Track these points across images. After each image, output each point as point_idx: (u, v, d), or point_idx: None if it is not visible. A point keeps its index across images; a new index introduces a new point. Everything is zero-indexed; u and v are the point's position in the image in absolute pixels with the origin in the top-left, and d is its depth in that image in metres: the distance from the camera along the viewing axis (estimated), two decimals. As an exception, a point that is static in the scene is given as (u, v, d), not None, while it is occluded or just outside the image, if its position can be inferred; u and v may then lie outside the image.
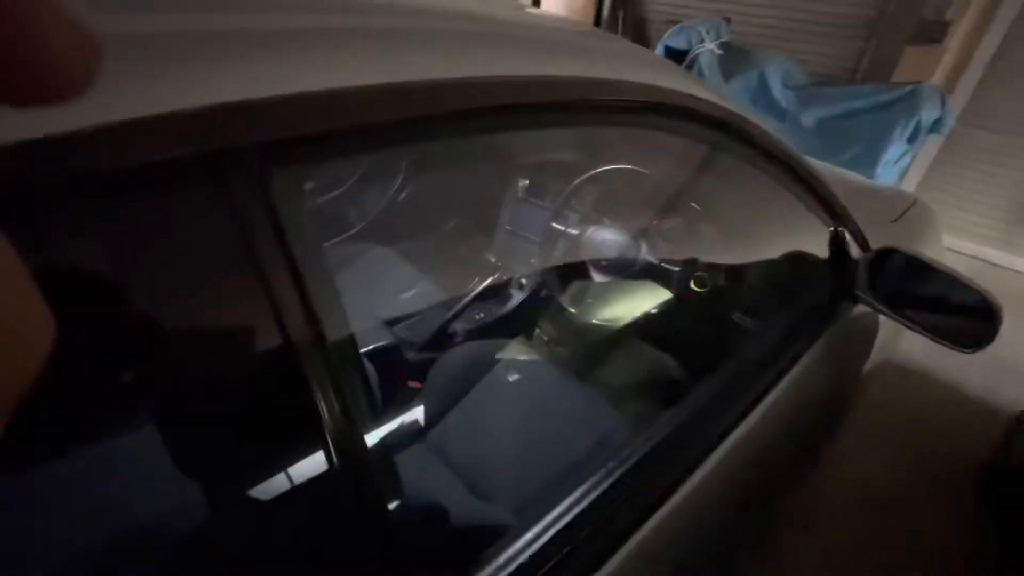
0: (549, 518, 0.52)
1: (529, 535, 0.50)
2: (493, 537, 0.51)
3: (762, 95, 2.74)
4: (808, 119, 2.64)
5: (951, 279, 0.89)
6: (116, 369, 0.30)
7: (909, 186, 2.97)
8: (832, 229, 0.94)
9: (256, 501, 0.40)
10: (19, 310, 0.11)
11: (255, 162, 0.29)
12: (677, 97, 0.60)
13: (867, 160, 2.49)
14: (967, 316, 0.88)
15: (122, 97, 0.23)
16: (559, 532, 0.51)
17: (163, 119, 0.24)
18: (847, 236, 0.95)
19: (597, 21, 3.54)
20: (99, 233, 0.26)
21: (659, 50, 2.99)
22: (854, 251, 0.96)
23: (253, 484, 0.40)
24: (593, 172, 1.17)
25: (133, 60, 0.24)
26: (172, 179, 0.27)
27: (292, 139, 0.30)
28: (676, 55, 2.90)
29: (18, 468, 0.25)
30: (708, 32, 2.85)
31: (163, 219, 0.28)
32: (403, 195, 1.41)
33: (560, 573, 0.49)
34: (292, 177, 0.32)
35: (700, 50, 2.83)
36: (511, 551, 0.49)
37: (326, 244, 1.20)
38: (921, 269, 0.91)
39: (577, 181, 1.18)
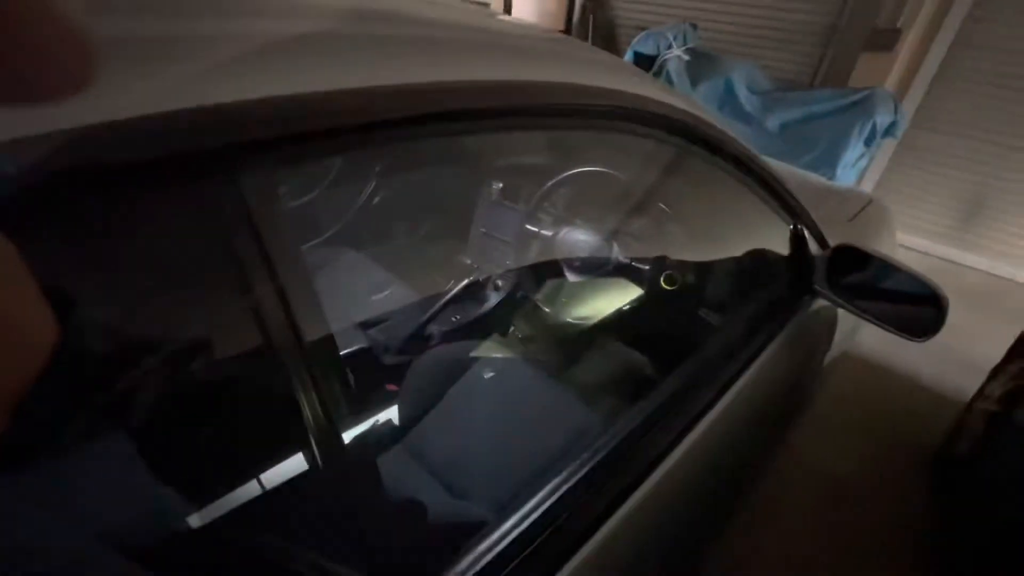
0: (523, 512, 0.53)
1: (503, 528, 0.51)
2: (469, 532, 0.52)
3: (728, 100, 2.82)
4: (772, 123, 2.74)
5: (902, 273, 0.94)
6: (94, 371, 0.30)
7: (867, 187, 3.10)
8: (792, 227, 0.99)
9: (235, 503, 0.40)
10: (20, 310, 0.11)
11: (233, 165, 0.30)
12: (644, 103, 0.62)
13: (827, 162, 2.59)
14: (917, 307, 0.94)
15: (114, 98, 0.24)
16: (532, 524, 0.52)
17: (148, 120, 0.25)
18: (806, 234, 1.00)
19: (568, 26, 3.60)
20: (80, 235, 0.27)
21: (628, 55, 3.05)
22: (813, 248, 1.01)
23: (229, 486, 0.40)
24: (565, 175, 1.19)
25: (122, 62, 0.25)
26: (151, 182, 0.27)
27: (268, 142, 0.31)
28: (645, 60, 2.97)
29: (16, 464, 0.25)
30: (675, 38, 2.93)
31: (145, 222, 0.28)
32: (376, 199, 1.41)
33: (534, 563, 0.51)
34: (268, 180, 0.33)
35: (668, 55, 2.91)
36: (486, 544, 0.50)
37: (301, 248, 1.18)
38: (875, 264, 0.96)
39: (549, 184, 1.21)
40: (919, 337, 0.90)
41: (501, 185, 1.29)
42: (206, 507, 0.39)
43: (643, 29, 3.08)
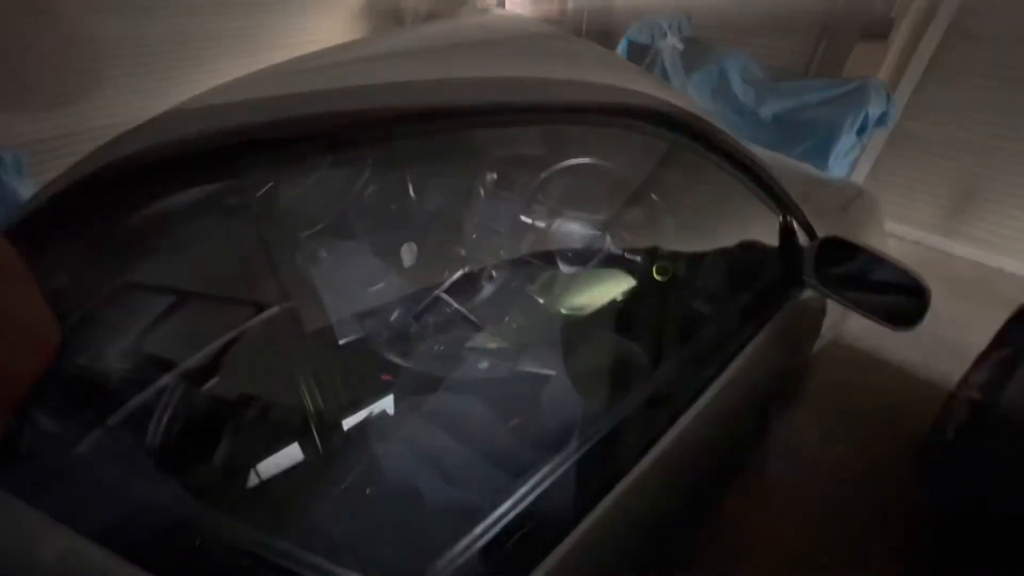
0: (516, 497, 0.55)
1: (497, 514, 0.53)
2: (463, 520, 0.53)
3: (722, 89, 2.82)
4: (765, 113, 2.74)
5: (887, 264, 0.96)
6: (94, 371, 0.31)
7: (859, 176, 3.12)
8: (781, 219, 1.00)
9: (236, 494, 0.41)
10: (24, 312, 0.12)
11: (240, 162, 0.30)
12: (634, 96, 0.63)
13: (820, 152, 2.61)
14: (902, 297, 0.96)
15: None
16: (526, 509, 0.54)
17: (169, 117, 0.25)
18: (795, 225, 1.01)
19: (562, 15, 3.57)
20: (79, 237, 0.27)
21: (623, 44, 3.04)
22: (802, 239, 1.03)
23: (229, 479, 0.41)
24: (558, 166, 1.20)
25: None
26: (163, 181, 0.28)
27: (268, 141, 0.31)
28: (639, 49, 2.96)
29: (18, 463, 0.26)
30: (670, 27, 2.92)
31: (143, 222, 0.29)
32: (370, 190, 1.41)
33: (528, 544, 0.52)
34: (268, 177, 0.34)
35: (662, 44, 2.90)
36: (479, 529, 0.51)
37: (295, 240, 1.19)
38: (861, 255, 0.98)
39: (543, 175, 1.21)
40: (903, 326, 0.92)
41: (496, 176, 1.30)
42: (206, 499, 0.40)
43: (638, 18, 3.07)
